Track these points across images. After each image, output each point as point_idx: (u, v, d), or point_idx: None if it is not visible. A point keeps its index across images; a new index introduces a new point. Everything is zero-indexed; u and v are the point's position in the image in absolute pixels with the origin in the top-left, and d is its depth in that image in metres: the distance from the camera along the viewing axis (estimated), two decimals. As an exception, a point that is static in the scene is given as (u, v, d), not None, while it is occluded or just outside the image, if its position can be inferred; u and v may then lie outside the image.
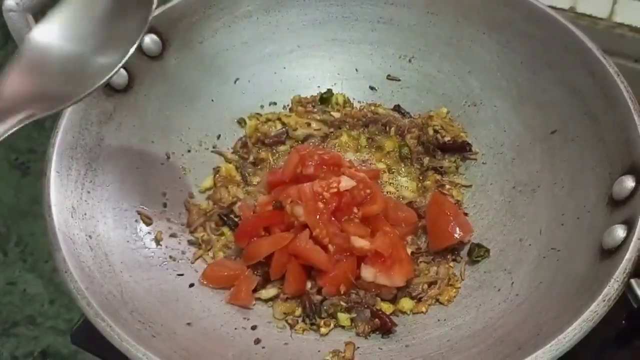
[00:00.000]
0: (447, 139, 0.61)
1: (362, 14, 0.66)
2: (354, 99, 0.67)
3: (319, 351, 0.49)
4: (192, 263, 0.55)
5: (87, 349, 0.59)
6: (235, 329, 0.50)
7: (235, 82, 0.65)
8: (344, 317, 0.51)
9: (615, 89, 0.50)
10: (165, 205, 0.57)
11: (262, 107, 0.66)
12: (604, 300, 0.40)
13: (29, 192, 0.75)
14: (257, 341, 0.49)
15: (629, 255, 0.41)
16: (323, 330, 0.51)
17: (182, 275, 0.53)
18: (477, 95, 0.62)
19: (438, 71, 0.64)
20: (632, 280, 0.51)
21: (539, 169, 0.56)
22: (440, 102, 0.64)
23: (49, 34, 0.44)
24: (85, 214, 0.50)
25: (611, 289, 0.40)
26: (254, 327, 0.50)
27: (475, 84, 0.62)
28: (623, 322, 0.56)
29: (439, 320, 0.51)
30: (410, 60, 0.66)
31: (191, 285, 0.53)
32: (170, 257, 0.54)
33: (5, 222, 0.71)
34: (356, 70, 0.68)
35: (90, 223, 0.50)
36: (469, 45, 0.62)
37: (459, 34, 0.63)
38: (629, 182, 0.46)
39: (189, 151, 0.62)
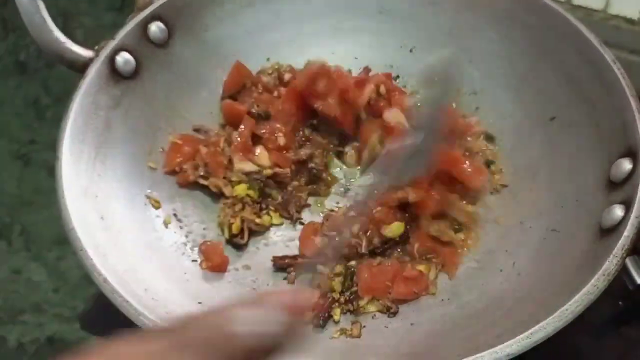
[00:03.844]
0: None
1: (364, 3, 0.67)
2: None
3: (326, 329, 0.50)
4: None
5: (96, 333, 0.60)
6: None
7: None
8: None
9: (612, 76, 0.51)
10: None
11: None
12: (604, 275, 0.41)
13: (32, 183, 0.76)
14: None
15: (627, 233, 0.43)
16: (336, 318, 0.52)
17: (189, 256, 0.54)
18: (478, 83, 0.64)
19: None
20: (627, 261, 0.53)
21: (538, 154, 0.57)
22: (441, 90, 0.66)
23: None
24: (97, 196, 0.51)
25: (611, 264, 0.42)
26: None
27: (476, 72, 0.64)
28: (620, 303, 0.58)
29: (442, 300, 0.52)
30: (411, 50, 0.67)
31: (194, 262, 0.54)
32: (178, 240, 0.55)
33: (9, 212, 0.71)
34: (356, 58, 0.68)
35: (103, 205, 0.51)
36: (470, 35, 0.64)
37: (460, 24, 0.64)
38: (626, 165, 0.47)
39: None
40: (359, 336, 0.50)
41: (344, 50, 0.68)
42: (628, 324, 0.58)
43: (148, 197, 0.56)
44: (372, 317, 0.52)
